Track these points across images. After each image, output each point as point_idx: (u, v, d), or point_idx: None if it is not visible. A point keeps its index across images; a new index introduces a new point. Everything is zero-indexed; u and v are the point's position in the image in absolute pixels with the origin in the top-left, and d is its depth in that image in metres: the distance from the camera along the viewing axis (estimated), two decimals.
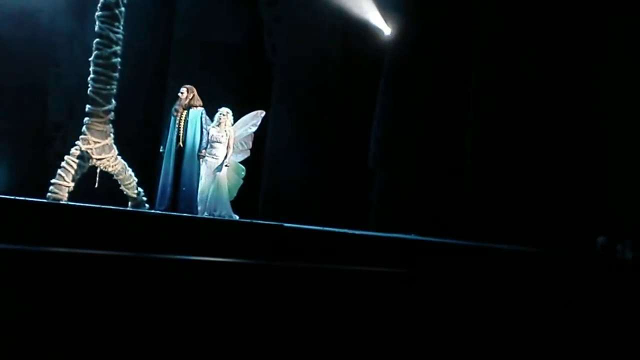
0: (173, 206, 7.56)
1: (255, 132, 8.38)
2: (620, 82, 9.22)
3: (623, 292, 6.04)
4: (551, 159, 9.52)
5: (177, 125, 7.68)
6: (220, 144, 7.85)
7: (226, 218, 7.66)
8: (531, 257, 6.98)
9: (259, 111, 8.43)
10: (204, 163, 7.82)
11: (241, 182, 8.23)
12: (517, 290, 5.41)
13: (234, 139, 7.97)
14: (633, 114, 9.12)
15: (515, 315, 5.09)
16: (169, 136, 7.71)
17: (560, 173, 9.49)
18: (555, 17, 9.59)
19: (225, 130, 7.90)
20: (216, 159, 7.83)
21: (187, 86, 7.81)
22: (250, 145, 8.37)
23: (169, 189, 7.57)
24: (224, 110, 7.99)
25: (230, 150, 7.93)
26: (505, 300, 5.22)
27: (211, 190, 7.74)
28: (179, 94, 7.76)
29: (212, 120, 7.91)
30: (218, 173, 7.79)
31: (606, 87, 9.34)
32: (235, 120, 8.14)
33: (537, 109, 9.56)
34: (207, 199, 7.73)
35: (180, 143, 7.68)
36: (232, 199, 8.06)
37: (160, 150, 7.76)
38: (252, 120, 8.33)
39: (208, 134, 7.79)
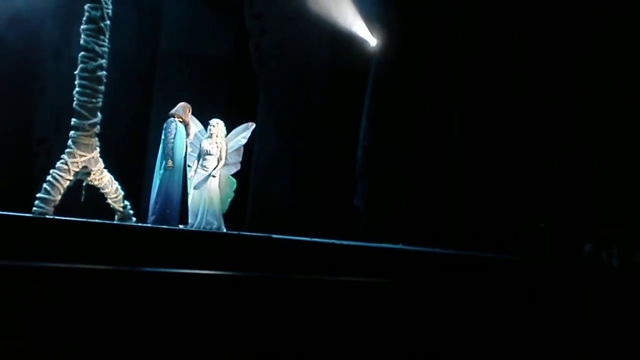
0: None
1: (245, 145, 8.37)
2: (608, 84, 9.31)
3: (609, 299, 6.08)
4: (538, 167, 9.58)
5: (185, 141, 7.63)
6: (211, 155, 7.82)
7: (214, 230, 7.62)
8: (518, 266, 7.01)
9: (250, 123, 8.41)
10: (195, 175, 7.78)
11: (232, 195, 8.21)
12: (505, 298, 5.43)
13: (222, 155, 7.94)
14: (621, 119, 9.20)
15: (503, 322, 5.10)
16: (175, 151, 7.46)
17: (547, 181, 9.56)
18: (540, 20, 9.69)
19: (217, 142, 7.87)
20: (207, 171, 7.79)
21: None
22: (241, 159, 8.34)
23: (176, 203, 7.47)
24: (214, 121, 7.96)
25: (222, 162, 7.90)
26: (493, 308, 5.24)
27: (203, 202, 7.69)
28: (188, 113, 7.72)
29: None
30: (209, 185, 7.74)
31: (597, 91, 9.43)
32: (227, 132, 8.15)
33: (523, 117, 9.63)
34: (198, 211, 7.68)
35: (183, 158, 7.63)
36: (224, 212, 8.04)
37: (170, 165, 7.37)
38: (242, 132, 8.31)
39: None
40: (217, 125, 7.93)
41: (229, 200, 8.19)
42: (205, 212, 7.68)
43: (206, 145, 7.85)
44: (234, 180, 8.25)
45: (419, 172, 10.19)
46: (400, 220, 9.98)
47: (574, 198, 9.43)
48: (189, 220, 7.66)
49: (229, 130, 8.15)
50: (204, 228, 7.58)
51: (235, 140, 8.23)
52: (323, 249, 6.34)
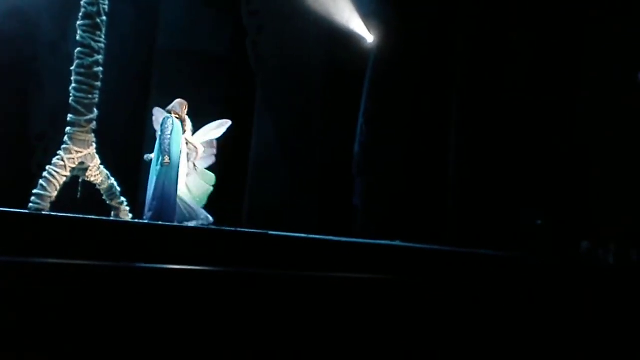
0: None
1: (219, 140, 8.21)
2: (608, 84, 9.32)
3: (605, 297, 6.09)
4: (536, 166, 9.59)
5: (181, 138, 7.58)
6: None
7: (201, 224, 7.55)
8: (516, 263, 7.01)
9: (225, 120, 8.31)
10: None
11: (211, 189, 8.09)
12: (502, 295, 5.44)
13: (194, 144, 7.81)
14: (621, 119, 9.21)
15: (500, 319, 5.11)
16: (172, 148, 7.43)
17: (545, 179, 9.57)
18: (540, 20, 9.70)
19: (184, 136, 7.69)
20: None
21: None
22: (215, 151, 8.18)
23: (173, 199, 7.45)
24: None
25: (200, 151, 7.79)
26: (491, 305, 5.24)
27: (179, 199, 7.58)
28: (184, 109, 7.68)
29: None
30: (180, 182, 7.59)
31: (597, 91, 9.43)
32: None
33: (521, 114, 9.64)
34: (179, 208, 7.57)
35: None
36: (202, 206, 7.96)
37: (167, 161, 7.34)
38: (217, 128, 8.20)
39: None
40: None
41: (208, 194, 8.06)
42: (187, 207, 7.61)
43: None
44: (212, 174, 8.13)
45: (417, 170, 10.19)
46: (398, 218, 9.98)
47: (571, 196, 9.45)
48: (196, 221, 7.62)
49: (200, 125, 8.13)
50: (201, 225, 7.55)
51: (207, 135, 8.10)
52: (320, 246, 6.33)
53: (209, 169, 8.22)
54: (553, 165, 9.56)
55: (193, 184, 7.91)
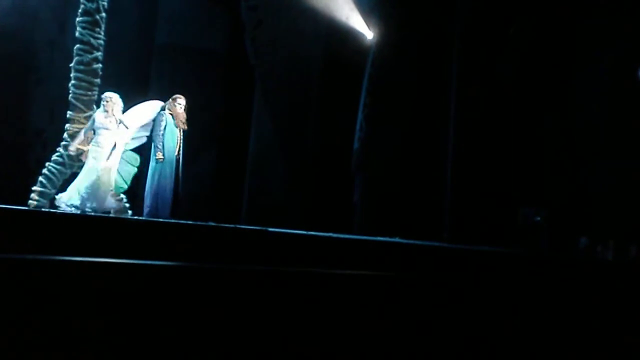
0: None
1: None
2: (607, 81, 9.32)
3: (604, 292, 6.10)
4: (534, 161, 9.60)
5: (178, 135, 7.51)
6: (107, 130, 7.30)
7: (116, 213, 7.36)
8: (514, 259, 7.03)
9: (156, 101, 7.87)
10: (90, 153, 7.33)
11: (135, 170, 7.75)
12: (500, 291, 5.45)
13: (125, 124, 7.43)
14: (616, 116, 9.22)
15: (498, 315, 5.12)
16: (165, 143, 7.40)
17: (544, 175, 9.58)
18: (537, 17, 9.70)
19: (114, 116, 7.34)
20: (101, 147, 7.30)
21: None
22: (148, 133, 7.76)
23: (169, 194, 7.40)
24: (108, 95, 7.43)
25: (130, 134, 7.52)
26: (489, 301, 5.25)
27: (100, 183, 7.25)
28: (182, 106, 7.62)
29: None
30: (103, 165, 7.28)
31: (595, 89, 9.44)
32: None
33: (518, 111, 9.64)
34: (95, 194, 7.25)
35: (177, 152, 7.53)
36: (126, 189, 7.69)
37: (160, 157, 7.34)
38: (150, 108, 7.76)
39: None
40: (112, 99, 7.36)
41: (132, 175, 7.75)
42: (93, 191, 7.23)
43: (101, 119, 7.29)
44: (137, 155, 7.79)
45: (416, 166, 10.20)
46: (397, 214, 9.99)
47: (570, 192, 9.46)
48: (88, 204, 7.22)
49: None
50: (84, 210, 7.12)
51: (141, 116, 7.67)
52: (319, 242, 6.34)
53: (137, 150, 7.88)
54: (551, 162, 9.57)
55: (121, 168, 7.56)
